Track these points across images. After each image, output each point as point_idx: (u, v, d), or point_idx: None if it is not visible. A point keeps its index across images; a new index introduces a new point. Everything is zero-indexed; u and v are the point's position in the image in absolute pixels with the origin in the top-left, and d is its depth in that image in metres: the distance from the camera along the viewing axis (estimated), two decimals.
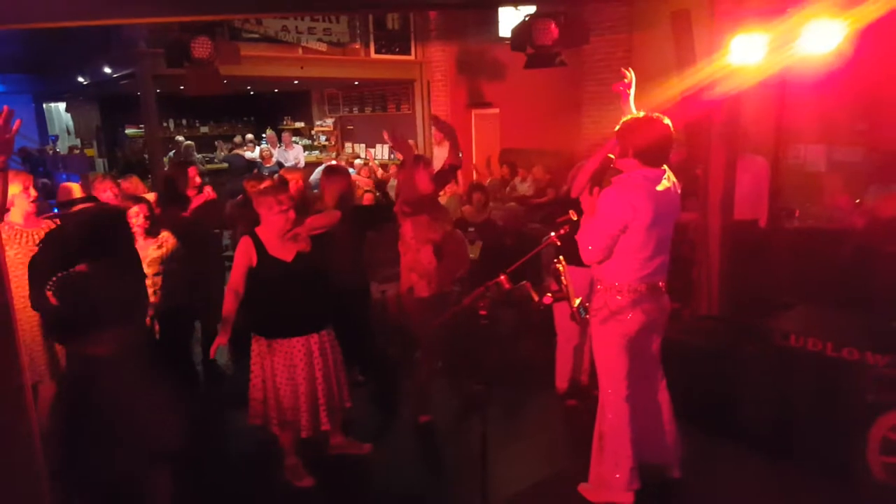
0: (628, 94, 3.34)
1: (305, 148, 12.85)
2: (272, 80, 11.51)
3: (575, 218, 3.02)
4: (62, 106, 14.60)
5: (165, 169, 8.03)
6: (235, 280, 3.47)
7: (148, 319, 3.89)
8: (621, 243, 3.02)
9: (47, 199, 6.84)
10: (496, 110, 10.48)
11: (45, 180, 9.74)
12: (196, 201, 4.85)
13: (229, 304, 3.45)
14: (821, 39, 3.53)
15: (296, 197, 4.23)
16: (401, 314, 4.83)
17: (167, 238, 4.21)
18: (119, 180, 4.92)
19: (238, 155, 11.72)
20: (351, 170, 8.49)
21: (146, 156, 10.82)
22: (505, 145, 10.16)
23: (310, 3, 5.40)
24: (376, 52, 10.86)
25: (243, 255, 3.46)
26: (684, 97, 4.26)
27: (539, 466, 3.77)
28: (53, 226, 3.58)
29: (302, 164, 11.09)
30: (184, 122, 14.16)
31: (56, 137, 14.34)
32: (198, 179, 5.04)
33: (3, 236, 2.97)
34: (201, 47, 4.44)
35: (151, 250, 4.10)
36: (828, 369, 3.45)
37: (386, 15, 10.58)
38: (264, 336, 3.51)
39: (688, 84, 4.27)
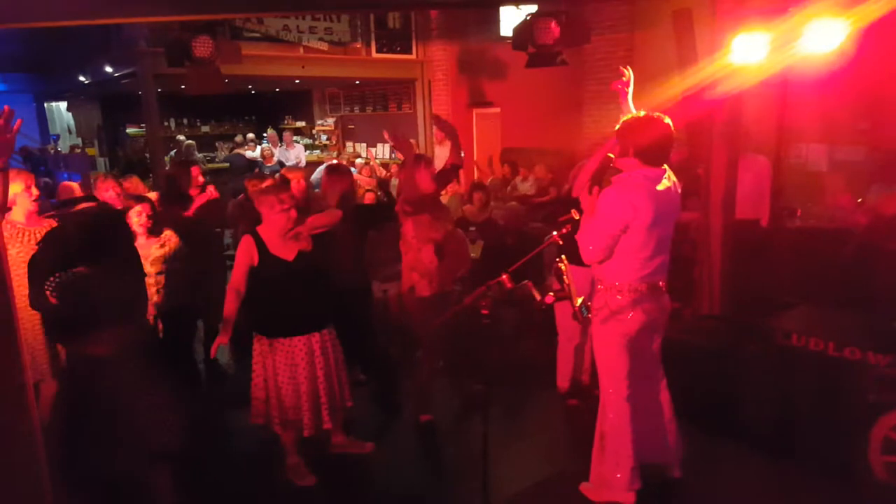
0: (627, 93, 3.35)
1: (306, 147, 12.86)
2: (273, 79, 11.55)
3: (577, 217, 3.02)
4: (63, 105, 14.64)
5: (166, 168, 8.04)
6: (237, 279, 3.46)
7: (151, 318, 3.90)
8: (622, 243, 3.01)
9: (49, 198, 6.84)
10: (497, 109, 10.47)
11: (47, 179, 9.73)
12: (198, 200, 4.84)
13: (231, 304, 3.44)
14: (822, 39, 3.53)
15: (299, 196, 4.24)
16: (402, 313, 4.82)
17: (170, 237, 4.20)
18: (120, 180, 4.93)
19: (239, 154, 11.71)
20: (352, 169, 8.49)
21: (147, 155, 10.86)
22: (506, 144, 10.15)
23: (311, 1, 5.40)
24: (377, 51, 10.88)
25: (245, 255, 3.46)
26: (686, 96, 4.26)
27: (540, 466, 3.77)
28: (55, 225, 3.58)
29: (303, 163, 11.08)
30: (185, 121, 14.18)
31: (57, 136, 14.37)
32: (201, 179, 5.03)
33: (5, 235, 2.97)
34: (202, 46, 4.44)
35: (154, 249, 4.10)
36: (829, 369, 3.45)
37: (387, 14, 10.60)
38: (266, 335, 3.51)
39: (689, 83, 4.27)
